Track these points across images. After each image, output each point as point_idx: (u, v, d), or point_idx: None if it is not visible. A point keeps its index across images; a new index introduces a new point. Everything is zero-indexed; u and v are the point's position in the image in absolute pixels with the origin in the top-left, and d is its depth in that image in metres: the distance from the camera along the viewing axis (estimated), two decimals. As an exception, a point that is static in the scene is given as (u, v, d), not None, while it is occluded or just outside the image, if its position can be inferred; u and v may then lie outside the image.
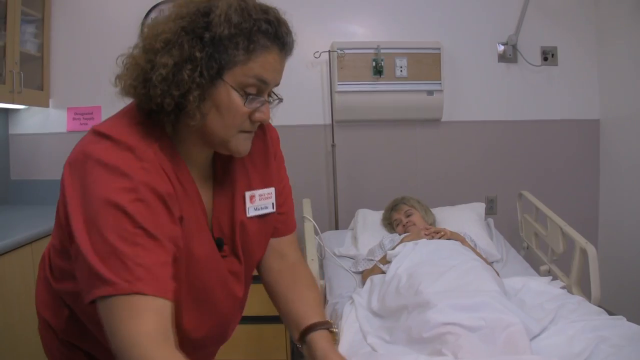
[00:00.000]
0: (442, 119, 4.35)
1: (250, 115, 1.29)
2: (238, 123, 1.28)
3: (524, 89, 4.43)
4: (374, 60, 4.16)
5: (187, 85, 1.19)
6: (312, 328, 1.47)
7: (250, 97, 1.26)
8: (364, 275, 3.19)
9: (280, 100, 1.36)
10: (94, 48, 4.30)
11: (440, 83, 4.23)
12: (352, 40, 4.28)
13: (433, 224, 3.61)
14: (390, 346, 2.38)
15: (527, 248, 3.78)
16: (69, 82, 4.34)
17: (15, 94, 3.75)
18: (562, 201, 4.09)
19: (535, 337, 2.35)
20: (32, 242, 3.12)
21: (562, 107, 4.43)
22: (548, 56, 4.42)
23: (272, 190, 1.49)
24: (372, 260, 3.28)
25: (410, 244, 3.05)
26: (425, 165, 4.40)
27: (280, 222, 1.58)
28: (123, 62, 1.29)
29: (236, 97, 1.25)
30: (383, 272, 3.00)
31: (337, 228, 4.22)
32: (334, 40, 4.21)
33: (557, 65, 4.43)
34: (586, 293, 2.92)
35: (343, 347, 2.40)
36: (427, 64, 4.23)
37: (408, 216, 3.53)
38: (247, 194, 1.44)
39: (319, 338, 1.45)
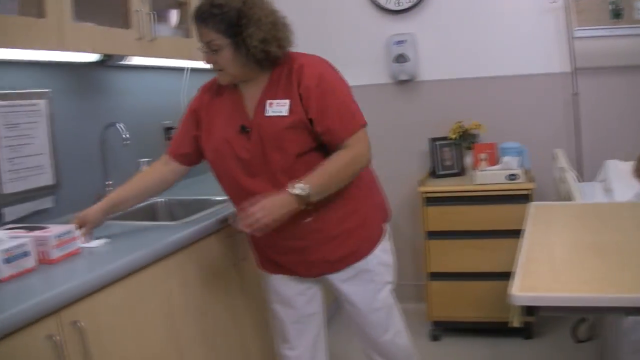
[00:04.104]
0: (688, 63, 4.01)
1: None
2: None
3: None
4: (611, 2, 3.89)
5: None
6: None
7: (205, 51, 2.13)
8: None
9: (204, 51, 2.14)
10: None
11: (684, 23, 3.91)
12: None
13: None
14: None
15: None
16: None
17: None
18: None
19: None
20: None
21: None
22: None
23: (287, 101, 2.09)
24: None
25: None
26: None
27: (327, 139, 2.14)
28: None
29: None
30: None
31: (581, 180, 4.04)
32: (569, -17, 3.97)
33: None
34: None
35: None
36: (668, 4, 3.91)
37: (659, 164, 3.30)
38: (267, 102, 2.13)
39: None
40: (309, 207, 2.07)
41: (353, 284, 2.29)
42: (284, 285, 2.42)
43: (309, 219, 2.18)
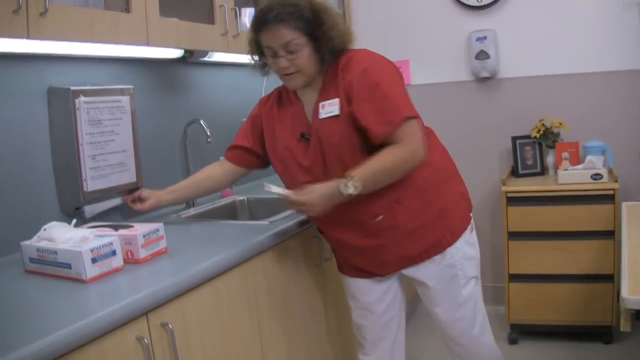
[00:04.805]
0: None
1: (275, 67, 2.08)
2: (275, 71, 2.11)
3: None
4: (701, -5, 3.71)
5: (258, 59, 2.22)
6: None
7: (270, 58, 2.08)
8: None
9: (284, 53, 2.03)
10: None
11: None
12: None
13: None
14: None
15: None
16: (372, 36, 4.21)
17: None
18: None
19: None
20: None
21: None
22: None
23: (336, 100, 2.05)
24: None
25: None
26: None
27: (371, 135, 2.02)
28: None
29: (269, 59, 2.09)
30: None
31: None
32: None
33: None
34: None
35: None
36: None
37: None
38: (320, 104, 2.09)
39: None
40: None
41: (437, 279, 2.20)
42: (363, 291, 2.35)
43: (379, 217, 2.11)
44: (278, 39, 2.00)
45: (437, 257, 2.17)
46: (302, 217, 2.44)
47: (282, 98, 2.27)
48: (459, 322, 2.27)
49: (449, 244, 2.16)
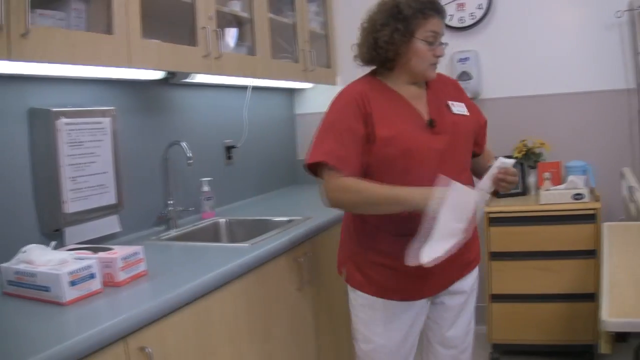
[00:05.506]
0: None
1: (433, 54, 2.15)
2: (428, 59, 2.14)
3: None
4: (680, 17, 3.75)
5: (396, 43, 2.11)
6: None
7: (426, 44, 2.12)
8: None
9: (446, 44, 2.21)
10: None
11: None
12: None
13: None
14: None
15: None
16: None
17: (307, 72, 3.78)
18: None
19: None
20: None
21: None
22: None
23: (463, 104, 2.29)
24: None
25: None
26: None
27: (479, 145, 2.40)
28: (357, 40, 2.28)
29: (424, 45, 2.12)
30: None
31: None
32: (636, -3, 3.83)
33: None
34: None
35: None
36: None
37: None
38: (449, 102, 2.25)
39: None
40: None
41: (472, 290, 2.39)
42: (402, 310, 2.26)
43: None
44: (442, 28, 2.17)
45: (474, 270, 2.39)
46: (283, 239, 2.45)
47: (373, 92, 2.19)
48: (469, 339, 2.45)
49: (480, 259, 2.42)
